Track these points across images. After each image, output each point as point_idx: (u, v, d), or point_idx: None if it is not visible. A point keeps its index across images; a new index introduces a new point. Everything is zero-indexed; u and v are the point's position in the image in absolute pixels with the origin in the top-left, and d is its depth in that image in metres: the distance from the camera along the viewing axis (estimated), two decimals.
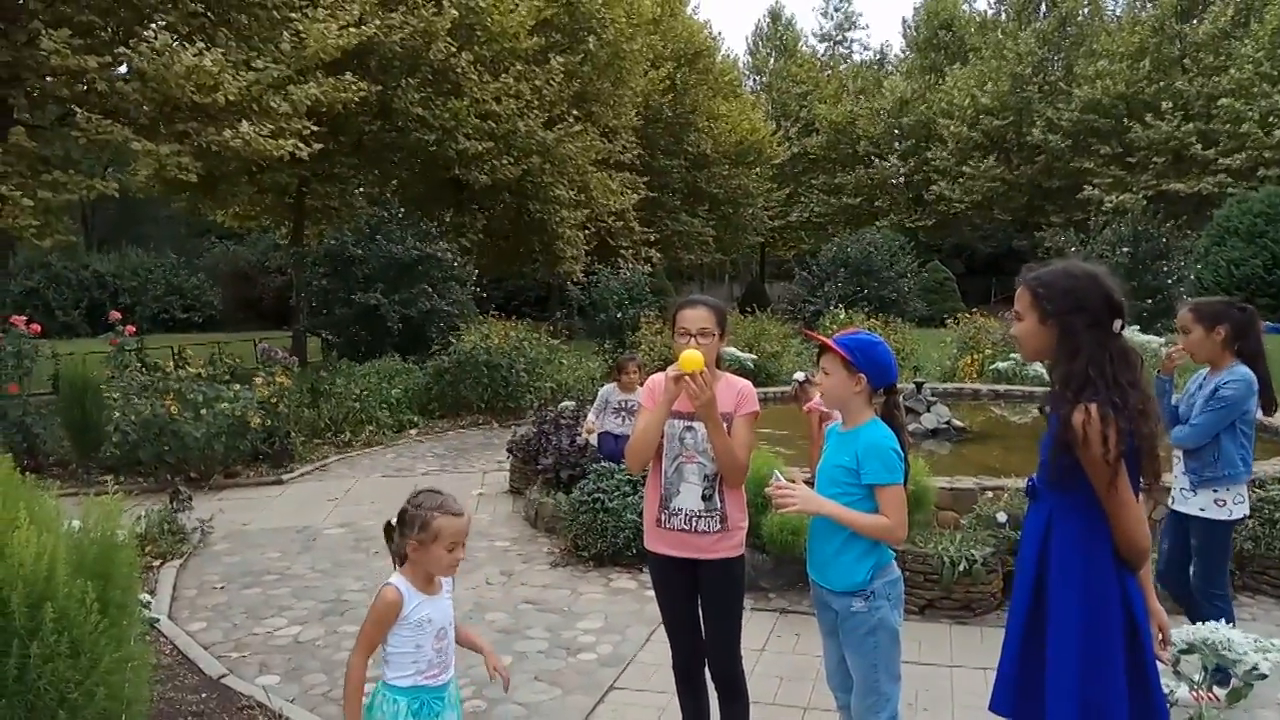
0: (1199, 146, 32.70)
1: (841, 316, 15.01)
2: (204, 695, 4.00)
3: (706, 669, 3.11)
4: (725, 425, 2.88)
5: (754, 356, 12.48)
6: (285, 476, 8.55)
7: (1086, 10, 40.55)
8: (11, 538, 2.45)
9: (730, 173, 31.79)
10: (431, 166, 18.65)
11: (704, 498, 2.95)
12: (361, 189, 20.04)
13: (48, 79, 11.44)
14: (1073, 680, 2.20)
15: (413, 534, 2.51)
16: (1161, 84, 34.08)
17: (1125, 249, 19.28)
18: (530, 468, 7.28)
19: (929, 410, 8.37)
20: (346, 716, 2.54)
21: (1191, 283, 20.88)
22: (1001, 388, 10.73)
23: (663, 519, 3.00)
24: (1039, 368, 9.98)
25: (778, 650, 4.44)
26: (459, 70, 16.60)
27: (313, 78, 12.83)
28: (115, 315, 9.45)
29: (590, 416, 6.75)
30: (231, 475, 8.45)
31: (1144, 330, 12.59)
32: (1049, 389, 2.35)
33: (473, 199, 20.80)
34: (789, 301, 25.89)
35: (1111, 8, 41.48)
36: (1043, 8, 42.21)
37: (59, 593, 2.46)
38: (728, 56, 40.59)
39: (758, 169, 33.79)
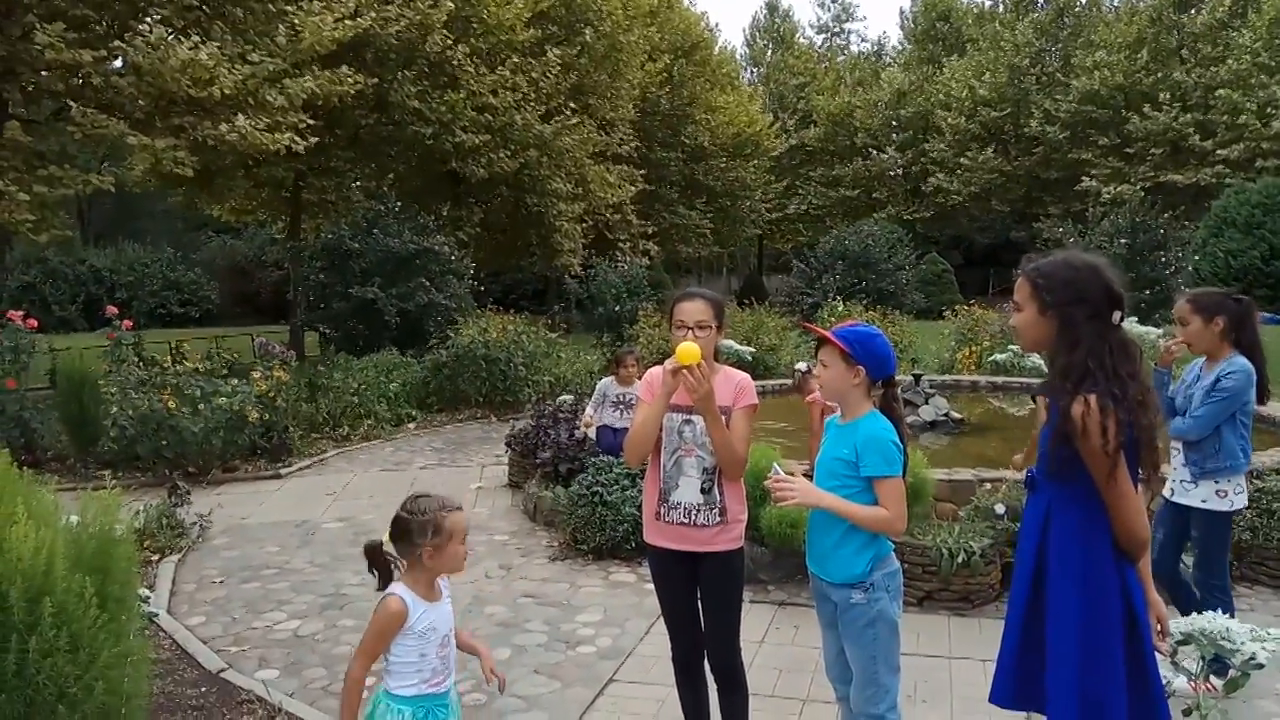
0: (1197, 137, 32.65)
1: (840, 309, 14.96)
2: (203, 689, 4.01)
3: (706, 661, 3.11)
4: (724, 418, 2.88)
5: (752, 349, 12.49)
6: (283, 471, 8.56)
7: (1084, 1, 40.44)
8: (10, 533, 2.44)
9: (728, 165, 31.67)
10: (428, 160, 18.58)
11: (703, 491, 2.95)
12: (358, 183, 19.99)
13: (42, 73, 11.37)
14: (1072, 671, 2.21)
15: (426, 540, 2.46)
16: (1159, 75, 33.99)
17: (1123, 240, 19.23)
18: (529, 461, 7.29)
19: (927, 402, 8.38)
20: None
21: (1189, 274, 20.83)
22: (1000, 379, 10.74)
23: (662, 512, 3.00)
24: (1037, 359, 9.99)
25: (777, 642, 4.45)
26: (455, 63, 16.55)
27: (308, 71, 12.78)
28: (112, 310, 9.45)
29: (588, 410, 6.74)
30: (230, 470, 8.47)
31: (1142, 321, 12.61)
32: (1045, 379, 2.35)
33: (470, 192, 20.75)
34: (787, 294, 25.81)
35: None
36: None
37: (57, 588, 2.45)
38: (725, 48, 40.54)
39: (755, 161, 33.66)
